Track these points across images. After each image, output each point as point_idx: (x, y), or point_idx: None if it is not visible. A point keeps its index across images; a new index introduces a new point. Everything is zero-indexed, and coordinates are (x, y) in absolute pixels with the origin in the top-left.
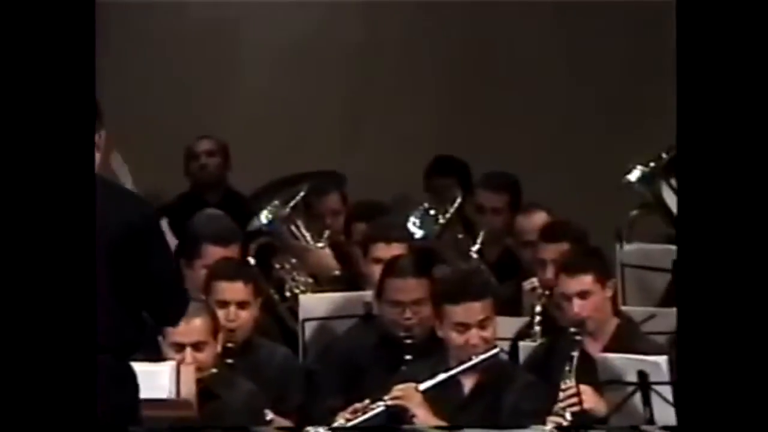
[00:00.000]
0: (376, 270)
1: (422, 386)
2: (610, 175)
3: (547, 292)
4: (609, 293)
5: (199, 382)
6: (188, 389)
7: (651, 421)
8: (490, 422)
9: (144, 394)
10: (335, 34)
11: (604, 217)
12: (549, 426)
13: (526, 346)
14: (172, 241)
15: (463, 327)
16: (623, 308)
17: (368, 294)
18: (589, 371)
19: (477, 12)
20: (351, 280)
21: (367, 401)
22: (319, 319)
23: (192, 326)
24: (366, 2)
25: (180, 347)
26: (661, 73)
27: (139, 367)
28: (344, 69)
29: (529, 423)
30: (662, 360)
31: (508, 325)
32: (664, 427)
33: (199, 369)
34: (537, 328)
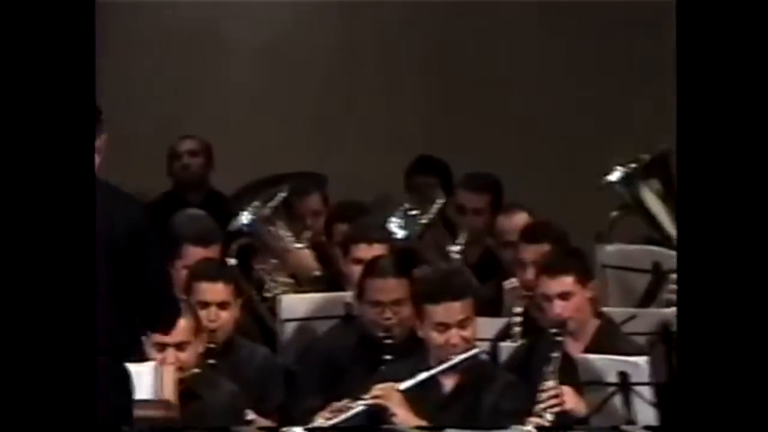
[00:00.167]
0: (357, 270)
1: (402, 386)
2: (591, 176)
3: (528, 293)
4: (590, 294)
5: (181, 382)
6: (170, 389)
7: (631, 421)
8: (470, 422)
9: None
10: (317, 34)
11: (584, 218)
12: (529, 426)
13: (506, 347)
14: None
15: (444, 327)
16: (604, 309)
17: (349, 295)
18: (569, 372)
19: (457, 11)
20: (331, 280)
21: (346, 401)
22: (300, 319)
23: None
24: (347, 2)
25: (162, 347)
26: (657, 74)
27: None
28: (325, 69)
29: (509, 423)
30: (643, 360)
31: (488, 326)
32: (646, 427)
33: (181, 369)
34: (517, 329)
